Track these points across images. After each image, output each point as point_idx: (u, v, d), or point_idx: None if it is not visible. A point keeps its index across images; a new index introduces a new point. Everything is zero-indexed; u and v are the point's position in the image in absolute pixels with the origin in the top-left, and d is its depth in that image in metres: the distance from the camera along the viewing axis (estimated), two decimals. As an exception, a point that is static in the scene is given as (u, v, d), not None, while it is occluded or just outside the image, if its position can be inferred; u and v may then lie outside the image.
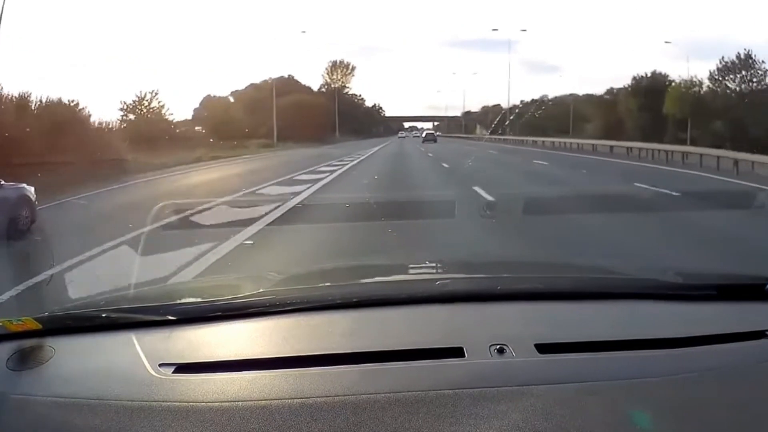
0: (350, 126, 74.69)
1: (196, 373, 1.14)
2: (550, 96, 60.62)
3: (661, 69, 48.76)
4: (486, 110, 75.24)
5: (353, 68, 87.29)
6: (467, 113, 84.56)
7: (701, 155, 21.06)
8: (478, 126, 72.80)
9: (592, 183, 15.06)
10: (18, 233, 8.36)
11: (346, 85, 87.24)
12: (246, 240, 6.79)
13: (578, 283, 1.73)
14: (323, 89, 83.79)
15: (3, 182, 9.06)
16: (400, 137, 69.26)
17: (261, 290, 1.54)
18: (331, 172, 17.91)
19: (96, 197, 12.58)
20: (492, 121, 61.62)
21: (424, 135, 61.95)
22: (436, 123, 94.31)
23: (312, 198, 11.37)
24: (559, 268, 2.29)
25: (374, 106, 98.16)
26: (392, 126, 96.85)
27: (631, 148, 28.27)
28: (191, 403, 1.05)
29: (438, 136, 63.96)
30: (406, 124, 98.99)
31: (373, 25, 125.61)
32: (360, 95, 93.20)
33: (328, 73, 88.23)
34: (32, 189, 9.44)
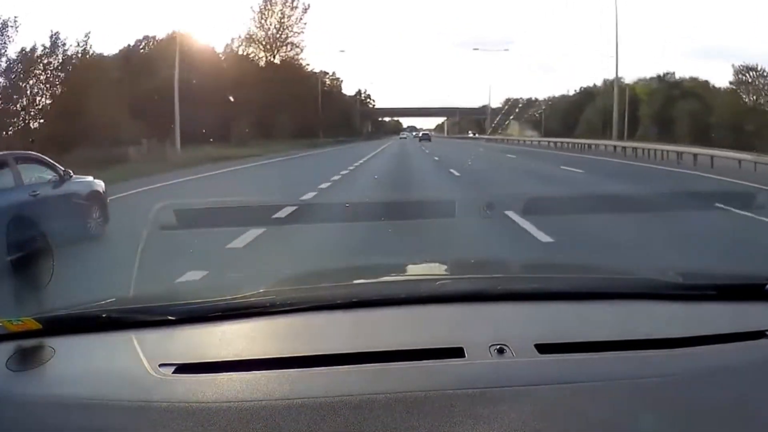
0: (300, 120, 42.92)
1: (196, 373, 1.14)
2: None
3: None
4: (516, 103, 55.95)
5: (306, 8, 49.59)
6: (482, 108, 62.19)
7: None
8: (516, 124, 53.62)
9: None
10: (90, 237, 7.27)
11: (292, 41, 49.49)
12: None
13: (578, 283, 1.73)
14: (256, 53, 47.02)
15: (72, 173, 7.73)
16: (401, 138, 68.04)
17: (261, 290, 1.54)
18: None
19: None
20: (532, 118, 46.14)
21: (420, 135, 61.14)
22: (445, 118, 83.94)
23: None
24: (559, 268, 2.29)
25: (359, 93, 67.46)
26: (386, 123, 76.98)
27: None
28: (191, 403, 1.05)
29: (473, 137, 50.60)
30: (405, 122, 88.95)
31: (368, 13, 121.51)
32: (333, 74, 59.40)
33: (256, 18, 49.11)
34: (102, 183, 8.21)
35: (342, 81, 64.58)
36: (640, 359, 1.18)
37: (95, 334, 1.32)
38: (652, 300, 1.48)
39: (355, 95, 68.41)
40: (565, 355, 1.18)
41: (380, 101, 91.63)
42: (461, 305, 1.44)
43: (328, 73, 60.09)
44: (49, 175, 7.32)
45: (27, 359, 1.21)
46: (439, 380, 1.08)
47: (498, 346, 1.18)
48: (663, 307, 1.45)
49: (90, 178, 8.16)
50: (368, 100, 72.23)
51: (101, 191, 8.04)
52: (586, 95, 51.02)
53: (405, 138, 67.22)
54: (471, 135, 65.01)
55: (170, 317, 1.35)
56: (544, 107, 52.35)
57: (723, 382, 1.11)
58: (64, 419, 1.05)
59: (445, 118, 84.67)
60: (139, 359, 1.19)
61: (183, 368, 1.16)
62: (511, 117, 54.56)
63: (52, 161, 7.61)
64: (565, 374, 1.11)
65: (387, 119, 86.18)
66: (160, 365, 1.16)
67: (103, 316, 1.38)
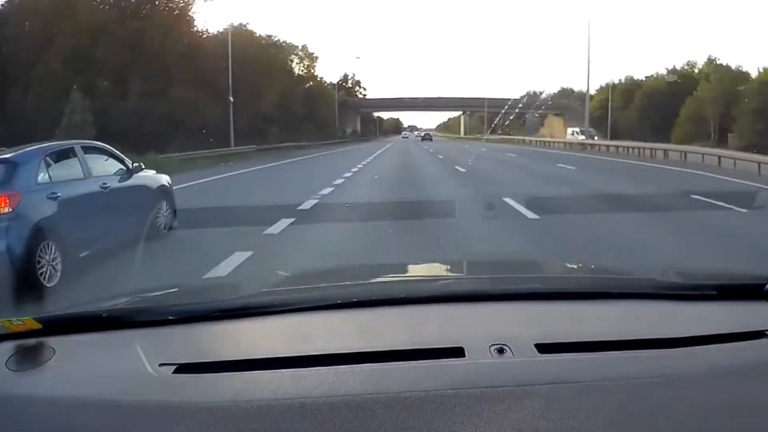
0: (183, 111, 26.45)
1: (196, 373, 1.14)
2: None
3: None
4: (573, 94, 39.07)
5: None
6: (503, 100, 37.87)
7: None
8: (560, 121, 36.92)
9: None
10: (160, 234, 7.07)
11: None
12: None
13: (578, 283, 1.73)
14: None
15: (143, 165, 7.38)
16: (403, 138, 67.64)
17: (261, 290, 1.54)
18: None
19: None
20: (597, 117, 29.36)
21: (423, 135, 60.47)
22: (465, 111, 78.07)
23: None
24: (560, 268, 2.29)
25: (345, 78, 49.11)
26: (383, 120, 70.23)
27: None
28: (191, 403, 1.05)
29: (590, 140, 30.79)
30: (405, 119, 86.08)
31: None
32: (304, 48, 42.02)
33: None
34: (167, 177, 7.94)
35: (317, 57, 43.15)
36: (640, 359, 1.18)
37: (95, 334, 1.32)
38: (652, 300, 1.48)
39: (343, 81, 47.40)
40: (565, 355, 1.18)
41: (378, 94, 76.55)
42: (461, 305, 1.44)
43: (301, 49, 37.58)
44: (115, 167, 6.97)
45: (27, 359, 1.21)
46: (439, 380, 1.08)
47: (498, 346, 1.18)
48: (663, 307, 1.45)
49: (153, 172, 7.83)
50: (358, 88, 51.57)
51: (168, 185, 7.77)
52: (682, 80, 33.60)
53: (407, 138, 66.86)
54: (583, 137, 35.75)
55: (170, 317, 1.35)
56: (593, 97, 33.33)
57: (723, 382, 1.11)
58: (64, 419, 1.05)
59: (461, 112, 74.03)
60: (139, 359, 1.19)
61: (183, 368, 1.16)
62: (554, 112, 38.30)
63: (119, 152, 7.28)
64: (565, 374, 1.11)
65: (386, 117, 75.44)
66: (160, 365, 1.16)
67: (103, 316, 1.38)
